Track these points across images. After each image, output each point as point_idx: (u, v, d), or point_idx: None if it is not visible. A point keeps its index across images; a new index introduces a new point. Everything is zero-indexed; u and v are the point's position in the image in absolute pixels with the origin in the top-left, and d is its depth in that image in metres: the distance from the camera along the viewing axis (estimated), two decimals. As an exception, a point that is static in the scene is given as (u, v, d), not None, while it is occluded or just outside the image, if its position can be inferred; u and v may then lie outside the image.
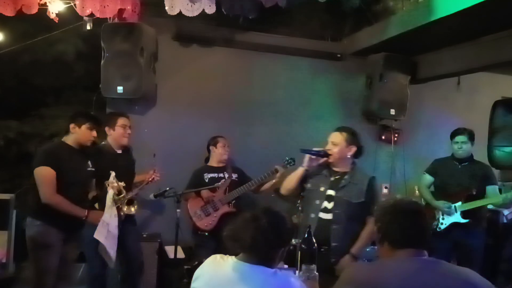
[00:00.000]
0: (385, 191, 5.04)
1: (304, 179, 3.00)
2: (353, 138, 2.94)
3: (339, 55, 4.94)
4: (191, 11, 3.57)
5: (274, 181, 3.97)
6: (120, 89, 3.95)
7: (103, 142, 3.65)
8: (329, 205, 2.86)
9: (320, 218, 2.84)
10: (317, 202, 2.89)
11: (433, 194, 4.06)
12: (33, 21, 3.77)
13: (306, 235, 2.33)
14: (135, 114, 4.34)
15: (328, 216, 2.84)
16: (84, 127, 3.23)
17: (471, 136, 3.92)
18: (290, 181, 3.03)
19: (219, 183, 3.93)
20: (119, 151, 3.66)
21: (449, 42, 4.32)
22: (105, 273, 3.62)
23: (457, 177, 3.93)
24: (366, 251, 4.20)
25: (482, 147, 4.05)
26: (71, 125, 3.22)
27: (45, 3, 3.42)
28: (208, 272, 1.80)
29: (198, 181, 3.97)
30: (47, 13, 3.41)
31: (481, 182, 3.86)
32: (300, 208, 3.14)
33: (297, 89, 4.85)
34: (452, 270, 1.58)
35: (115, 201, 3.27)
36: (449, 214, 3.86)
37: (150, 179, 3.76)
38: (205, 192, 3.91)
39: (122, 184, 3.34)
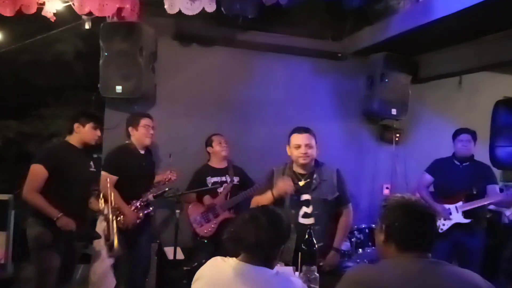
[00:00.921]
0: (386, 191, 5.03)
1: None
2: (315, 137, 2.93)
3: (339, 55, 4.92)
4: (191, 10, 3.55)
5: None
6: (119, 88, 3.93)
7: (126, 142, 3.68)
8: (308, 209, 2.81)
9: (301, 224, 2.76)
10: (293, 211, 2.82)
11: (432, 194, 4.04)
12: (32, 21, 3.75)
13: (306, 236, 2.32)
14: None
15: (310, 220, 2.79)
16: (88, 126, 3.24)
17: (474, 136, 3.93)
18: (259, 202, 2.89)
19: (221, 188, 3.91)
20: (142, 152, 3.71)
21: (450, 42, 4.31)
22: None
23: (458, 177, 3.92)
24: (367, 252, 4.22)
25: (483, 147, 4.04)
26: (76, 125, 3.22)
27: (44, 2, 3.40)
28: (209, 273, 1.79)
29: (200, 185, 3.90)
30: (43, 13, 3.39)
31: (481, 182, 3.85)
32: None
33: (298, 89, 4.83)
34: (455, 272, 1.57)
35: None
36: (449, 217, 3.84)
37: (167, 179, 3.82)
38: (207, 199, 3.88)
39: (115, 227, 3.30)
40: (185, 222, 3.85)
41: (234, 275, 1.71)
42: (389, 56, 4.61)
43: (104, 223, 3.28)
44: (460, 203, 3.84)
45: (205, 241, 3.83)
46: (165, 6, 3.54)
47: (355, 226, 4.16)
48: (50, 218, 3.02)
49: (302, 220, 2.80)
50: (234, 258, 1.77)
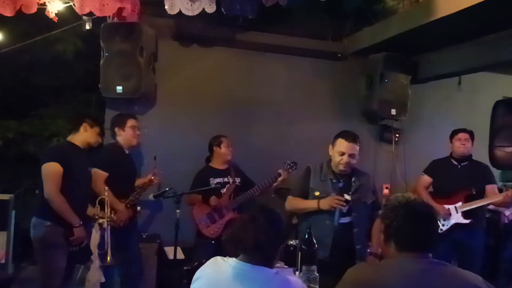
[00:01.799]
0: (385, 191, 5.03)
1: (311, 189, 2.93)
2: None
3: (339, 55, 4.93)
4: (191, 10, 3.55)
5: (275, 184, 3.95)
6: (119, 89, 3.94)
7: (112, 141, 3.68)
8: (344, 208, 2.82)
9: (340, 223, 2.82)
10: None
11: (431, 195, 4.05)
12: (33, 21, 3.75)
13: (306, 236, 2.33)
14: (135, 114, 4.32)
15: (347, 219, 2.84)
16: (95, 129, 3.27)
17: (472, 135, 3.95)
18: (297, 209, 2.99)
19: (224, 189, 3.93)
20: (127, 152, 3.73)
21: (450, 42, 4.31)
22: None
23: (456, 178, 3.92)
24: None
25: (483, 147, 4.04)
26: (84, 124, 3.22)
27: (44, 2, 3.40)
28: (209, 273, 1.79)
29: (204, 186, 3.86)
30: (46, 13, 3.39)
31: (480, 182, 3.86)
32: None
33: (297, 89, 4.84)
34: (455, 272, 1.58)
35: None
36: (448, 218, 3.85)
37: (149, 182, 3.83)
38: (213, 200, 3.89)
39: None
40: (185, 221, 3.85)
41: (233, 275, 1.71)
42: (388, 56, 4.62)
43: (98, 236, 3.26)
44: (460, 203, 3.85)
45: (212, 241, 3.83)
46: (166, 7, 3.54)
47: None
48: (59, 218, 3.01)
49: (341, 220, 2.84)
50: (234, 258, 1.77)
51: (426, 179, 4.10)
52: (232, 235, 1.76)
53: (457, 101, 5.30)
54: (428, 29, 3.76)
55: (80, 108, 5.68)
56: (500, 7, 3.25)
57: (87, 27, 3.76)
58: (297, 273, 2.27)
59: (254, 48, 4.67)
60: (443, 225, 3.89)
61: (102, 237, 3.26)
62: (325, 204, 2.77)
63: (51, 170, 3.01)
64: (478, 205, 3.79)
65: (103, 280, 3.30)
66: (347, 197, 2.76)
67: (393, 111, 4.72)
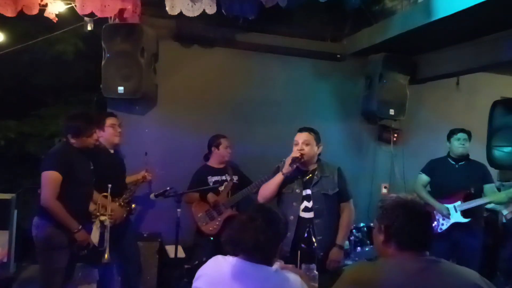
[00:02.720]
0: (384, 191, 5.06)
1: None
2: (319, 137, 3.08)
3: (339, 56, 4.95)
4: (192, 11, 3.57)
5: None
6: (120, 89, 3.96)
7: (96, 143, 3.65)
8: (309, 204, 2.97)
9: (302, 218, 2.95)
10: (294, 204, 2.98)
11: (429, 194, 4.07)
12: (34, 22, 3.76)
13: (306, 235, 2.35)
14: (136, 114, 4.36)
15: (310, 214, 2.96)
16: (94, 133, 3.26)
17: (469, 136, 3.98)
18: (270, 189, 3.08)
19: (222, 186, 3.95)
20: (112, 151, 3.70)
21: (448, 42, 4.33)
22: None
23: (454, 177, 3.95)
24: (365, 251, 4.25)
25: (481, 147, 4.07)
26: (96, 131, 3.26)
27: (46, 3, 3.42)
28: (210, 271, 1.81)
29: (202, 184, 3.93)
30: (46, 14, 3.41)
31: (478, 181, 3.88)
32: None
33: (297, 89, 4.86)
34: (453, 270, 1.59)
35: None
36: (448, 217, 3.88)
37: (142, 179, 3.86)
38: (211, 197, 3.91)
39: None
40: (186, 220, 3.87)
41: (234, 273, 1.73)
42: (387, 56, 4.64)
43: (98, 232, 3.28)
44: (459, 202, 3.87)
45: (211, 238, 3.85)
46: (166, 8, 3.56)
47: (354, 225, 4.19)
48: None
49: (302, 214, 2.97)
50: (234, 256, 1.80)
51: (424, 178, 4.13)
52: (231, 236, 1.78)
53: (456, 101, 5.32)
54: (427, 29, 3.78)
55: (80, 108, 5.68)
56: (499, 8, 3.26)
57: (89, 28, 3.78)
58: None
59: (254, 49, 4.69)
60: (442, 224, 3.92)
61: (101, 234, 3.28)
62: (285, 167, 2.98)
63: (50, 178, 3.02)
64: (478, 204, 3.82)
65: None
66: (295, 155, 2.96)
67: (392, 111, 4.74)
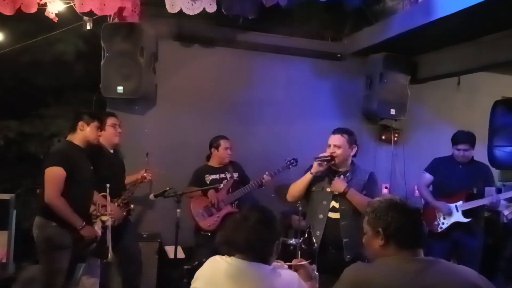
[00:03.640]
0: (385, 191, 5.05)
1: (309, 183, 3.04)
2: (353, 138, 3.03)
3: (339, 55, 4.94)
4: (192, 10, 3.56)
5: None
6: (120, 89, 3.96)
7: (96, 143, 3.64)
8: (336, 204, 2.95)
9: (329, 218, 2.93)
10: (325, 202, 2.97)
11: (432, 193, 4.06)
12: (33, 21, 3.76)
13: (306, 235, 2.34)
14: (135, 114, 4.36)
15: (336, 215, 2.93)
16: (92, 125, 3.23)
17: (472, 143, 3.90)
18: (298, 188, 3.06)
19: (221, 185, 3.95)
20: (111, 151, 3.70)
21: (449, 42, 4.32)
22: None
23: (457, 177, 3.93)
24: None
25: (482, 147, 4.05)
26: (80, 123, 3.19)
27: (45, 3, 3.41)
28: (208, 272, 1.81)
29: (199, 183, 3.97)
30: (46, 13, 3.40)
31: (481, 182, 3.86)
32: (300, 208, 3.15)
33: (297, 89, 4.85)
34: (451, 269, 1.60)
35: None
36: (450, 215, 3.86)
37: (142, 179, 3.84)
38: (211, 194, 3.91)
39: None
40: (185, 219, 3.86)
41: (230, 271, 1.73)
42: (388, 56, 4.63)
43: (100, 232, 3.27)
44: (460, 202, 3.86)
45: (209, 234, 3.85)
46: (166, 6, 3.55)
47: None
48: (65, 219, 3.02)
49: (330, 214, 2.95)
50: (232, 256, 1.79)
51: (427, 177, 4.11)
52: (225, 237, 1.79)
53: (456, 101, 5.31)
54: (428, 29, 3.76)
55: (83, 107, 5.67)
56: (499, 8, 3.25)
57: (88, 27, 3.77)
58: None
59: (254, 48, 4.69)
60: (442, 223, 3.91)
61: (103, 234, 3.28)
62: (314, 167, 2.95)
63: (54, 174, 3.00)
64: (479, 204, 3.80)
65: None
66: (324, 154, 2.94)
67: (393, 111, 4.73)
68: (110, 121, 3.64)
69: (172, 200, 3.49)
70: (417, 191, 4.38)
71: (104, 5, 3.47)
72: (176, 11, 3.57)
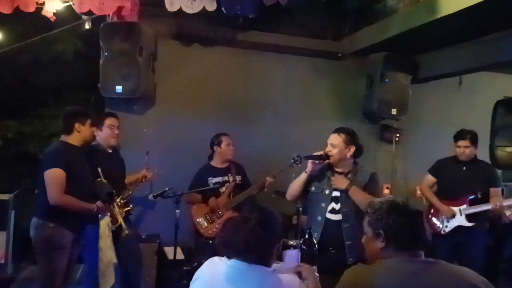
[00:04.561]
0: (386, 191, 5.03)
1: (307, 183, 3.01)
2: (351, 138, 2.95)
3: (339, 55, 4.93)
4: (191, 8, 3.54)
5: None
6: (119, 88, 3.94)
7: (93, 142, 3.61)
8: (336, 206, 2.90)
9: (328, 220, 2.88)
10: (323, 204, 2.92)
11: (435, 195, 4.04)
12: (32, 21, 3.75)
13: (306, 236, 2.32)
14: (134, 113, 4.34)
15: (337, 216, 2.88)
16: (87, 124, 3.22)
17: (473, 140, 3.87)
18: (294, 187, 3.03)
19: (223, 188, 3.92)
20: (110, 151, 3.66)
21: (450, 42, 4.31)
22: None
23: (461, 179, 3.90)
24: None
25: (483, 147, 4.03)
26: (76, 125, 3.17)
27: (43, 1, 3.39)
28: (207, 273, 1.79)
29: (202, 185, 3.88)
30: (43, 12, 3.38)
31: (484, 184, 3.83)
32: (300, 209, 3.13)
33: (297, 89, 4.84)
34: (450, 270, 1.60)
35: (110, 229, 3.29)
36: (453, 219, 3.85)
37: (143, 178, 3.83)
38: (211, 201, 3.88)
39: (117, 211, 3.36)
40: (185, 221, 3.85)
41: (230, 273, 1.72)
42: (388, 56, 4.61)
43: (107, 218, 3.28)
44: (464, 206, 3.83)
45: (210, 241, 3.80)
46: (166, 4, 3.52)
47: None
48: (63, 219, 3.02)
49: (329, 215, 2.89)
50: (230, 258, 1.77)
51: (431, 178, 4.08)
52: (224, 238, 1.77)
53: (457, 101, 5.30)
54: (428, 29, 3.75)
55: (75, 106, 5.65)
56: (500, 7, 3.24)
57: (87, 26, 3.76)
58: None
59: (254, 48, 4.67)
60: (446, 226, 3.89)
61: (111, 214, 3.31)
62: (308, 166, 2.92)
63: (54, 176, 2.99)
64: (483, 209, 3.76)
65: (115, 260, 3.28)
66: (316, 152, 2.91)
67: (393, 111, 4.71)
68: (108, 121, 3.59)
69: (171, 200, 3.48)
70: (418, 192, 4.36)
71: (103, 4, 3.45)
72: (176, 10, 3.54)
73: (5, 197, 4.38)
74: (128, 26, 3.89)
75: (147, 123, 4.38)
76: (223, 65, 4.62)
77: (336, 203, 2.90)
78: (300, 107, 4.82)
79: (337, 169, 2.97)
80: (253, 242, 1.68)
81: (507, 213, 3.73)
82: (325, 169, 2.98)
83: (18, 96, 6.30)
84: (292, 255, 2.19)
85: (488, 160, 3.99)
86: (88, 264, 3.46)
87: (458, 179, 3.91)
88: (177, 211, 3.38)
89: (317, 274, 2.14)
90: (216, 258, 1.81)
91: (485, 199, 3.80)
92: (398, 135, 5.04)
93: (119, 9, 3.56)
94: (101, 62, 3.96)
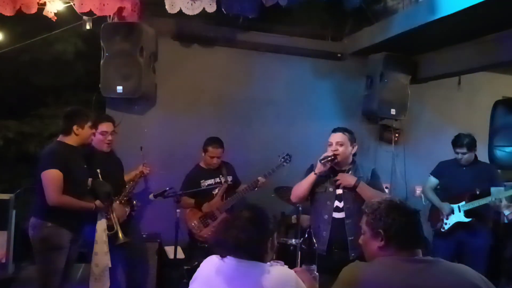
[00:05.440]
0: (385, 191, 5.03)
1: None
2: (353, 137, 3.04)
3: (339, 55, 4.93)
4: (192, 10, 3.55)
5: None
6: (119, 88, 3.95)
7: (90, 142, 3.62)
8: (340, 204, 2.94)
9: (334, 218, 2.92)
10: (328, 203, 2.96)
11: (438, 196, 4.05)
12: (33, 21, 3.74)
13: (306, 236, 2.32)
14: (135, 114, 4.35)
15: (341, 215, 2.92)
16: (86, 126, 3.20)
17: (470, 147, 3.85)
18: (302, 189, 3.03)
19: (216, 190, 3.91)
20: (107, 151, 3.65)
21: (450, 42, 4.31)
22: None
23: (461, 180, 3.92)
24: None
25: (483, 147, 4.04)
26: (75, 127, 3.14)
27: (45, 2, 3.41)
28: (205, 272, 1.81)
29: (194, 188, 3.87)
30: (44, 12, 3.39)
31: (485, 184, 3.84)
32: (300, 209, 3.13)
33: (297, 89, 4.84)
34: (450, 269, 1.59)
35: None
36: (452, 215, 3.86)
37: (140, 174, 3.83)
38: (205, 207, 3.88)
39: (115, 220, 3.36)
40: (185, 222, 3.86)
41: (228, 271, 1.73)
42: (388, 56, 4.62)
43: (104, 221, 3.29)
44: (463, 202, 3.85)
45: (206, 245, 3.77)
46: (166, 6, 3.54)
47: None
48: (61, 219, 3.02)
49: (334, 214, 2.93)
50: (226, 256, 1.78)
51: (433, 180, 4.12)
52: (215, 238, 1.81)
53: (457, 101, 5.30)
54: (428, 29, 3.76)
55: (74, 107, 5.64)
56: (500, 7, 3.25)
57: (87, 27, 3.76)
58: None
59: (254, 48, 4.68)
60: (445, 223, 3.91)
61: (108, 219, 3.31)
62: (317, 167, 2.92)
63: (52, 177, 2.99)
64: (480, 204, 3.78)
65: (109, 265, 3.30)
66: (327, 154, 2.91)
67: (393, 111, 4.72)
68: (101, 127, 3.51)
69: (172, 200, 3.48)
70: (417, 191, 4.37)
71: (103, 5, 3.47)
72: (176, 11, 3.56)
73: (5, 196, 4.38)
74: (129, 26, 3.90)
75: (148, 123, 4.39)
76: (223, 66, 4.63)
77: (340, 201, 2.94)
78: (300, 107, 4.83)
79: (337, 168, 3.00)
80: (244, 239, 1.71)
81: (506, 212, 3.74)
82: (328, 169, 3.00)
83: (18, 96, 6.29)
84: None
85: (487, 160, 4.01)
86: None
87: (458, 179, 3.93)
88: (178, 210, 3.38)
89: (317, 273, 2.15)
90: (213, 256, 1.82)
91: (485, 196, 3.81)
92: (397, 135, 5.05)
93: (120, 9, 3.58)
94: (101, 62, 3.97)
